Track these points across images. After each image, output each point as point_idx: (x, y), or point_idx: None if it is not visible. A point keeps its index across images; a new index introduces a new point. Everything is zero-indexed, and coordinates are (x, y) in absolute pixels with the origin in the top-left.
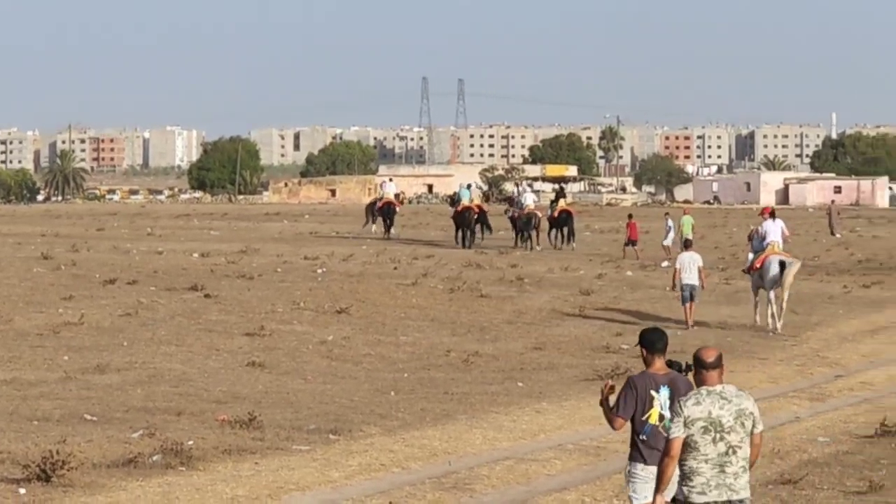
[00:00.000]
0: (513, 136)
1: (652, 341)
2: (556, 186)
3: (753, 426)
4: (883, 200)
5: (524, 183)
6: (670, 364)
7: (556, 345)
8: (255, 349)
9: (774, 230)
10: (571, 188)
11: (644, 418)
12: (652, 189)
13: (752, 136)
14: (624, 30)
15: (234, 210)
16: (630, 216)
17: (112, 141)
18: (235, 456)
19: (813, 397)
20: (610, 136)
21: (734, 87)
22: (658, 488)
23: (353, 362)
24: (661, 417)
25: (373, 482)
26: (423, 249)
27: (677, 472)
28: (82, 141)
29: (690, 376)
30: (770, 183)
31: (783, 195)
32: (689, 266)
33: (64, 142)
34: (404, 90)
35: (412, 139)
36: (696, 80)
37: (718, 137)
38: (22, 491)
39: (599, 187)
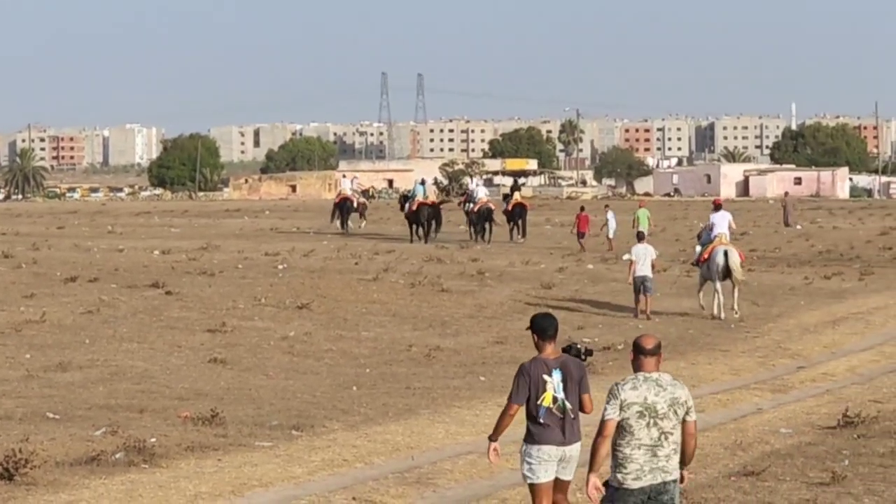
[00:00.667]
0: (472, 131)
1: (543, 328)
2: (512, 181)
3: (687, 414)
4: (843, 191)
5: (477, 177)
6: (569, 348)
7: (518, 339)
8: (217, 346)
9: (721, 222)
10: (531, 182)
11: (539, 402)
12: (612, 182)
13: (711, 127)
14: (582, 23)
15: (194, 207)
16: (582, 208)
17: (72, 139)
18: (198, 453)
19: (775, 389)
20: (570, 130)
21: (693, 79)
22: (591, 468)
23: (314, 358)
24: (555, 399)
25: (336, 478)
26: (384, 244)
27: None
28: (42, 140)
29: (589, 360)
30: (730, 175)
31: (743, 187)
32: (643, 258)
33: (24, 140)
34: (363, 85)
35: (372, 134)
36: (655, 73)
37: (678, 129)
38: None
39: (560, 181)
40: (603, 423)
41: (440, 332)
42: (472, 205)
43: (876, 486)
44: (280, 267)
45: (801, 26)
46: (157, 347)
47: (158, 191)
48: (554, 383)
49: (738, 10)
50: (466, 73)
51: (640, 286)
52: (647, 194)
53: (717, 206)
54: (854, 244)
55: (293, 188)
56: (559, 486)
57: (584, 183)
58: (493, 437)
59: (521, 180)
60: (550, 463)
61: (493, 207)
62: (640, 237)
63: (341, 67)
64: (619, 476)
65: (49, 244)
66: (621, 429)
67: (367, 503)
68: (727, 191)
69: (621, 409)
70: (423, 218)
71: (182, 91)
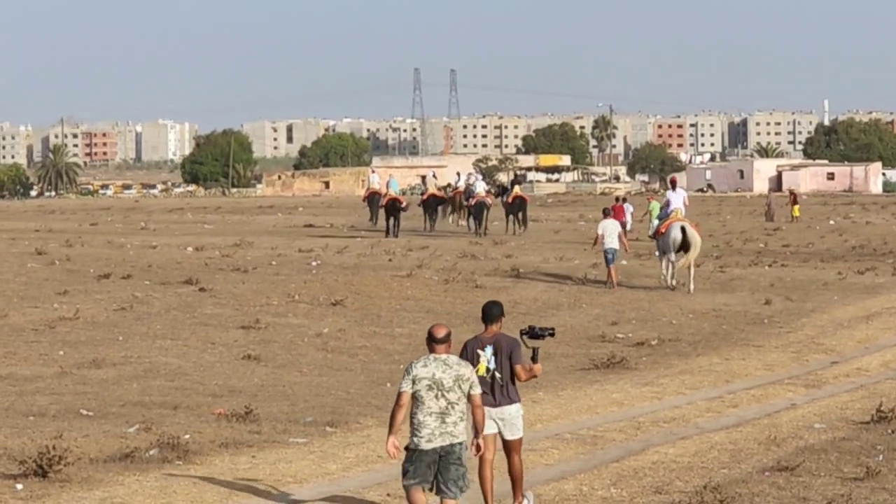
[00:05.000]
0: (506, 127)
1: (485, 312)
2: (513, 176)
3: (471, 388)
4: (876, 186)
5: (476, 172)
6: (530, 329)
7: None
8: (251, 342)
9: (676, 199)
10: (565, 177)
11: (475, 371)
12: (646, 178)
13: (744, 123)
14: (617, 19)
15: (227, 203)
16: (617, 199)
17: (104, 135)
18: (232, 449)
19: (809, 384)
20: (603, 125)
21: (727, 75)
22: (389, 430)
23: (348, 354)
24: (488, 370)
25: (370, 474)
26: (418, 241)
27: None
28: (75, 136)
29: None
30: (763, 170)
31: (776, 182)
32: (611, 232)
33: (56, 136)
34: (397, 81)
35: (405, 130)
36: (688, 69)
37: (711, 125)
38: (19, 486)
39: (593, 176)
40: (398, 394)
41: (474, 329)
42: (470, 199)
43: None
44: (314, 263)
45: (833, 22)
46: (190, 344)
47: (191, 187)
48: (487, 356)
49: (771, 6)
50: (499, 69)
51: (610, 257)
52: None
53: (674, 185)
54: (887, 239)
55: (326, 184)
56: (508, 444)
57: (617, 178)
58: None
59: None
60: (488, 421)
61: (489, 202)
62: (605, 213)
63: (374, 63)
64: (414, 439)
65: (82, 241)
66: (416, 399)
67: (402, 499)
68: (760, 186)
69: (413, 383)
70: (390, 212)
71: (215, 86)
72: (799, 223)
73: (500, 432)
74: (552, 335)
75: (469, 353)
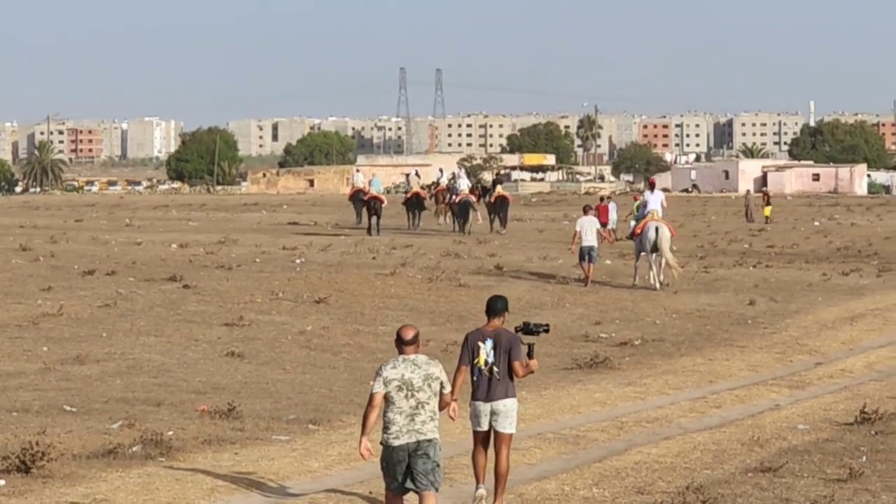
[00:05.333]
0: (491, 126)
1: (489, 306)
2: (495, 176)
3: (442, 387)
4: (861, 188)
5: (459, 170)
6: (525, 325)
7: None
8: (234, 339)
9: (654, 200)
10: (549, 177)
11: (474, 363)
12: (630, 177)
13: (730, 124)
14: (601, 18)
15: (212, 201)
16: (602, 199)
17: (90, 132)
18: (215, 446)
19: (793, 385)
20: (588, 125)
21: (712, 76)
22: (361, 431)
23: (332, 352)
24: (486, 363)
25: (353, 472)
26: (402, 239)
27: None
28: (60, 132)
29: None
30: (748, 171)
31: (761, 183)
32: (588, 229)
33: (42, 133)
34: (382, 80)
35: (390, 129)
36: (674, 69)
37: (697, 126)
38: (1, 482)
39: (578, 176)
40: (371, 395)
41: (457, 327)
42: (454, 196)
43: (893, 482)
44: (298, 261)
45: (819, 23)
46: (174, 341)
47: (176, 184)
48: (486, 349)
49: (757, 7)
50: (485, 69)
51: (585, 255)
52: (665, 190)
53: (652, 186)
54: (872, 241)
55: (311, 183)
56: (499, 438)
57: (602, 178)
58: (451, 392)
59: (536, 175)
60: (482, 416)
61: (472, 200)
62: (585, 210)
63: (360, 62)
64: (385, 436)
65: (67, 237)
66: (387, 399)
67: (385, 497)
68: (745, 186)
69: (384, 384)
70: (371, 210)
71: (201, 84)
72: (773, 224)
73: (491, 426)
74: (546, 331)
75: (470, 345)
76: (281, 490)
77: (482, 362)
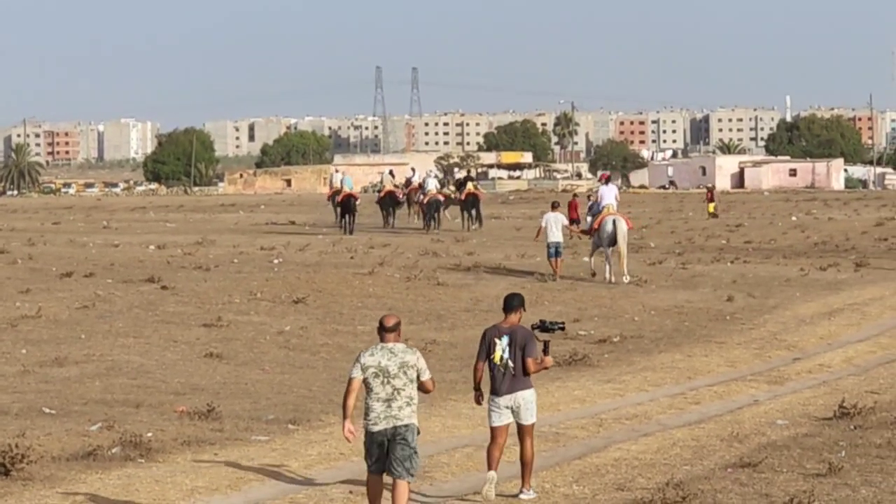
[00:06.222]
0: (467, 124)
1: (505, 303)
2: (464, 173)
3: (419, 375)
4: (838, 183)
5: (434, 170)
6: (541, 323)
7: None
8: (213, 340)
9: (608, 194)
10: (527, 175)
11: (490, 358)
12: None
13: (706, 120)
14: (577, 15)
15: (189, 202)
16: (575, 196)
17: (67, 134)
18: (194, 447)
19: (771, 380)
20: (564, 122)
21: (688, 72)
22: (343, 416)
23: (310, 352)
24: (502, 358)
25: (333, 471)
26: (380, 238)
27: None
28: (37, 135)
29: (557, 333)
30: (725, 167)
31: (738, 179)
32: (554, 225)
33: (19, 136)
34: (358, 79)
35: (367, 128)
36: (649, 65)
37: (673, 122)
38: None
39: (555, 173)
40: (349, 380)
41: (436, 326)
42: (422, 196)
43: (873, 476)
44: (275, 261)
45: (794, 18)
46: (152, 342)
47: (153, 186)
48: (502, 345)
49: (732, 3)
50: (461, 67)
51: (553, 251)
52: (642, 187)
53: (606, 180)
54: (850, 235)
55: (288, 182)
56: (522, 429)
57: (579, 175)
58: (475, 388)
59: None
60: (502, 411)
61: (441, 199)
62: (553, 206)
63: (336, 61)
64: (365, 422)
65: (44, 239)
66: (366, 386)
67: (365, 496)
68: (722, 182)
69: (361, 370)
70: (348, 209)
71: (177, 86)
72: (718, 220)
73: (514, 418)
74: (563, 329)
75: (487, 341)
76: (261, 490)
77: (498, 358)
